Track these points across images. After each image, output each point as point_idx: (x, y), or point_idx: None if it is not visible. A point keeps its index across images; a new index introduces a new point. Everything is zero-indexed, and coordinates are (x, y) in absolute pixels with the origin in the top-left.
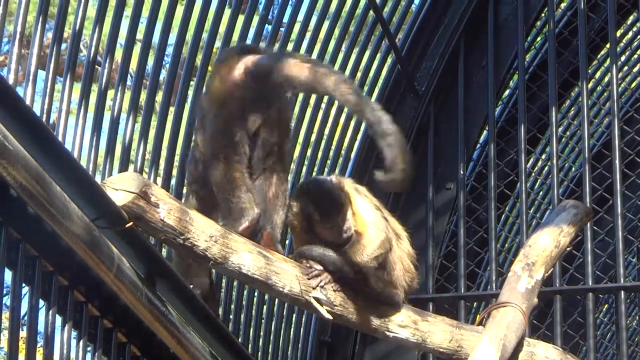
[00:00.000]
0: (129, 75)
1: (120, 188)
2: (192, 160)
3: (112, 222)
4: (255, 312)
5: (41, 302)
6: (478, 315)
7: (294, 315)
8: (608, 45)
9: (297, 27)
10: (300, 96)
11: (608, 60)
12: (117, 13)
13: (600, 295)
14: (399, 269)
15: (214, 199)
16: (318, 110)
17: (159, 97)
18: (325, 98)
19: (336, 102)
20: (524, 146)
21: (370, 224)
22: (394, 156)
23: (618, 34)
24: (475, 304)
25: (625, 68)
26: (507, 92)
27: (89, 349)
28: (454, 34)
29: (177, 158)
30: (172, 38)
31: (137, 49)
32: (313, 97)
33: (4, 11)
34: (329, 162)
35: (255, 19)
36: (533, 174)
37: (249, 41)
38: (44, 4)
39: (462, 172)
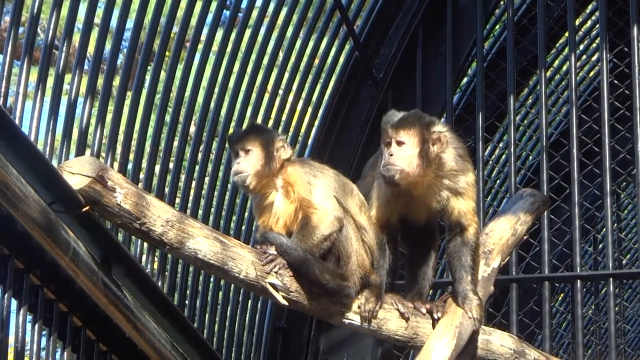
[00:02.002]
0: (86, 60)
1: (76, 172)
2: None
3: (69, 206)
4: (210, 298)
5: None
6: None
7: (250, 301)
8: (567, 34)
9: (255, 13)
10: (257, 83)
11: (567, 49)
12: None
13: (557, 284)
14: (353, 262)
15: None
16: (275, 95)
17: (117, 81)
18: (284, 81)
19: (294, 87)
20: (481, 134)
21: (317, 205)
22: None
23: (577, 22)
24: (431, 291)
25: (584, 57)
26: (465, 79)
27: (44, 332)
28: (412, 21)
29: (134, 142)
30: (130, 23)
31: (94, 33)
32: (270, 84)
33: None
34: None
35: (214, 5)
36: (490, 162)
37: (206, 27)
38: None
39: None
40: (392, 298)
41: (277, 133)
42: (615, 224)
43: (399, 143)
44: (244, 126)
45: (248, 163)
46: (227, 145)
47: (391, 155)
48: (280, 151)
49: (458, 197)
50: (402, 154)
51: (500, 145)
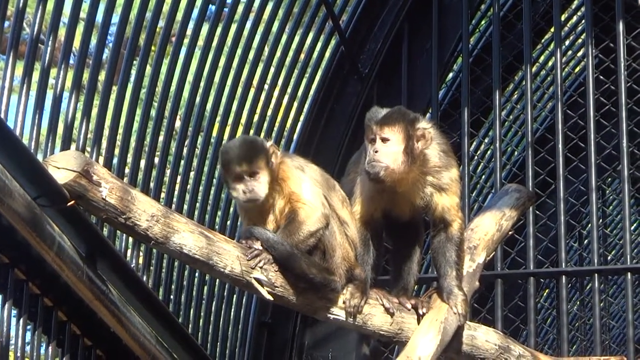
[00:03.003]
0: (71, 54)
1: (62, 166)
2: None
3: (54, 201)
4: (195, 293)
5: None
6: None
7: (235, 296)
8: (552, 29)
9: (240, 8)
10: (243, 77)
11: (552, 44)
12: None
13: (542, 280)
14: (338, 256)
15: None
16: (261, 90)
17: (102, 76)
18: (269, 76)
19: (280, 82)
20: (467, 129)
21: (305, 201)
22: None
23: (563, 18)
24: (416, 286)
25: (570, 52)
26: (450, 75)
27: (28, 327)
28: (398, 16)
29: (119, 137)
30: (116, 17)
31: (80, 28)
32: (256, 79)
33: None
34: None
35: (199, 0)
36: (476, 157)
37: (192, 22)
38: None
39: None
40: (377, 293)
41: (267, 141)
42: (601, 220)
43: (384, 140)
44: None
45: (258, 187)
46: (219, 164)
47: (376, 152)
48: (273, 157)
49: (442, 193)
50: (387, 151)
51: (486, 140)
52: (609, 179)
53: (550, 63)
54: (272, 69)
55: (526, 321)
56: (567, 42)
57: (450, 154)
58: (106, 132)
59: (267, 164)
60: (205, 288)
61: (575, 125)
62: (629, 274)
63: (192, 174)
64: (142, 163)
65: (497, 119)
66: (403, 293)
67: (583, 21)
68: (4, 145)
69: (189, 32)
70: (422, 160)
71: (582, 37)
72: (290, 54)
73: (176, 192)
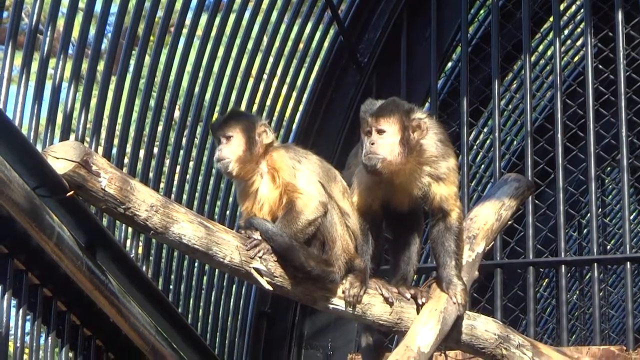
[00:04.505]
0: (70, 44)
1: (61, 157)
2: None
3: (53, 191)
4: (195, 283)
5: None
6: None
7: (234, 286)
8: (551, 19)
9: None
10: (242, 67)
11: (551, 34)
12: None
13: (541, 269)
14: (338, 247)
15: None
16: (260, 80)
17: (101, 66)
18: (268, 66)
19: (278, 72)
20: (466, 119)
21: (302, 190)
22: None
23: (561, 7)
24: (415, 276)
25: (569, 41)
26: (449, 64)
27: (28, 317)
28: (397, 5)
29: (118, 127)
30: (115, 7)
31: (79, 18)
32: (254, 69)
33: None
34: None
35: None
36: (475, 147)
37: (190, 12)
38: None
39: None
40: (376, 283)
41: (259, 118)
42: (600, 209)
43: (380, 132)
44: (228, 112)
45: (229, 149)
46: (210, 132)
47: (372, 144)
48: (263, 136)
49: (439, 183)
50: (384, 142)
51: (485, 130)
52: (608, 169)
53: (549, 52)
54: (270, 59)
55: (525, 310)
56: (566, 32)
57: (448, 143)
58: (105, 122)
59: (246, 133)
60: (205, 278)
61: (574, 115)
62: (628, 263)
63: (191, 163)
64: (141, 153)
65: (496, 109)
66: (402, 283)
67: (582, 10)
68: (3, 135)
69: (187, 22)
70: (418, 150)
71: (581, 26)
72: (289, 43)
73: (175, 182)
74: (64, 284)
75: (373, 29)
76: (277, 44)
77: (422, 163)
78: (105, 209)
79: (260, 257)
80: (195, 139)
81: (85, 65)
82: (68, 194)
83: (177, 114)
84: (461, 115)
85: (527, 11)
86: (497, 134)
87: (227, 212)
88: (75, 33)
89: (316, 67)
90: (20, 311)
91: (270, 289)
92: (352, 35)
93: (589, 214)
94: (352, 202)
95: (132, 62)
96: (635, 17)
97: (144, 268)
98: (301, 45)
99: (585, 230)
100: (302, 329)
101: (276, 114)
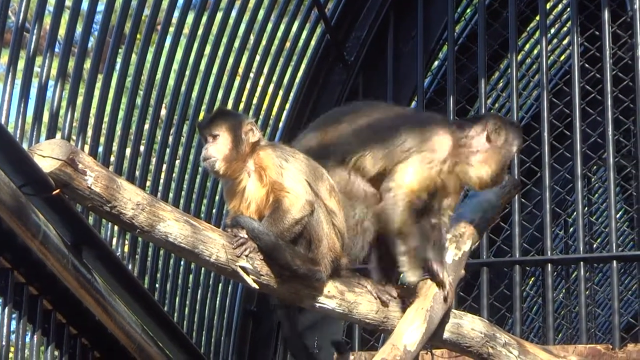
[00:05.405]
0: (57, 42)
1: (47, 155)
2: None
3: (39, 189)
4: (181, 282)
5: None
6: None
7: (220, 284)
8: (538, 17)
9: None
10: (228, 66)
11: (538, 32)
12: None
13: (527, 268)
14: (324, 246)
15: None
16: (246, 79)
17: (87, 64)
18: (255, 65)
19: (265, 71)
20: (452, 117)
21: (289, 189)
22: None
23: (548, 6)
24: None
25: (555, 40)
26: (436, 63)
27: (13, 316)
28: (383, 4)
29: (104, 126)
30: (101, 6)
31: (65, 16)
32: (241, 67)
33: None
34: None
35: None
36: None
37: (177, 10)
38: None
39: None
40: (367, 282)
41: (246, 116)
42: (586, 208)
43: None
44: (214, 111)
45: (215, 148)
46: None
47: None
48: (249, 134)
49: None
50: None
51: None
52: (595, 167)
53: (535, 51)
54: (257, 58)
55: (512, 309)
56: (552, 30)
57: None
58: (92, 120)
59: (232, 131)
60: (191, 277)
61: (560, 114)
62: (614, 261)
63: (177, 162)
64: (128, 151)
65: (483, 107)
66: (387, 281)
67: (568, 9)
68: None
69: (174, 20)
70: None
71: (568, 25)
72: (276, 42)
73: (162, 181)
74: (49, 282)
75: (360, 27)
76: (263, 42)
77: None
78: (92, 208)
79: (246, 256)
80: (182, 138)
81: (71, 64)
82: (54, 193)
83: (163, 112)
84: (448, 113)
85: (514, 10)
86: None
87: (214, 211)
88: (62, 31)
89: (303, 66)
90: (6, 310)
91: (257, 287)
92: (339, 34)
93: (575, 213)
94: (339, 200)
95: (119, 60)
96: (622, 16)
97: (130, 266)
98: (288, 44)
99: (571, 229)
100: None
101: (263, 112)
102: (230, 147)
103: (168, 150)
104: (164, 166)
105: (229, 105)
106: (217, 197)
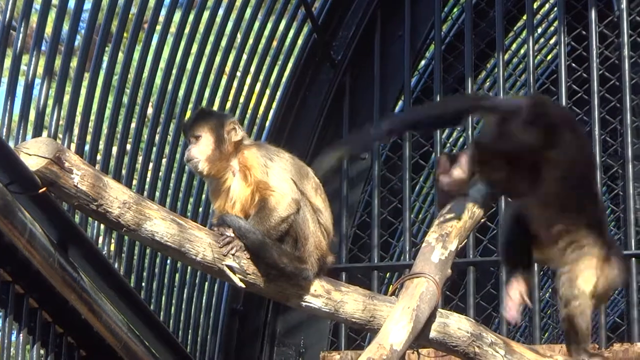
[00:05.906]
0: (43, 41)
1: (33, 153)
2: None
3: (25, 188)
4: (167, 280)
5: None
6: (391, 286)
7: (206, 283)
8: (525, 17)
9: None
10: (215, 65)
11: (525, 32)
12: None
13: None
14: (310, 244)
15: None
16: (233, 77)
17: (74, 62)
18: (242, 63)
19: (252, 69)
20: None
21: (274, 188)
22: None
23: (535, 5)
24: (388, 274)
25: (542, 40)
26: (423, 62)
27: None
28: (370, 3)
29: (91, 124)
30: (88, 4)
31: (52, 14)
32: (228, 66)
33: None
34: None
35: None
36: (448, 145)
37: (164, 9)
38: None
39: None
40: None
41: (228, 116)
42: None
43: None
44: (196, 112)
45: (198, 149)
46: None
47: None
48: (232, 134)
49: None
50: None
51: (459, 128)
52: None
53: (522, 50)
54: (244, 57)
55: (498, 309)
56: (539, 30)
57: None
58: (78, 119)
59: (214, 132)
60: (177, 275)
61: None
62: None
63: (164, 161)
64: (114, 150)
65: None
66: None
67: (555, 9)
68: None
69: (161, 19)
70: None
71: (555, 24)
72: (263, 41)
73: (148, 179)
74: (35, 281)
75: (347, 26)
76: (250, 41)
77: None
78: (78, 206)
79: (233, 255)
80: (168, 136)
81: (58, 62)
82: (40, 191)
83: (150, 111)
84: None
85: (501, 9)
86: (470, 132)
87: (200, 210)
88: (49, 30)
89: (290, 65)
90: None
91: (243, 286)
92: (326, 33)
93: None
94: (324, 199)
95: (106, 58)
96: (608, 15)
97: (116, 265)
98: (275, 43)
99: None
100: (274, 327)
101: (249, 111)
102: (212, 147)
103: (155, 148)
104: (151, 165)
105: (216, 104)
106: (203, 196)
